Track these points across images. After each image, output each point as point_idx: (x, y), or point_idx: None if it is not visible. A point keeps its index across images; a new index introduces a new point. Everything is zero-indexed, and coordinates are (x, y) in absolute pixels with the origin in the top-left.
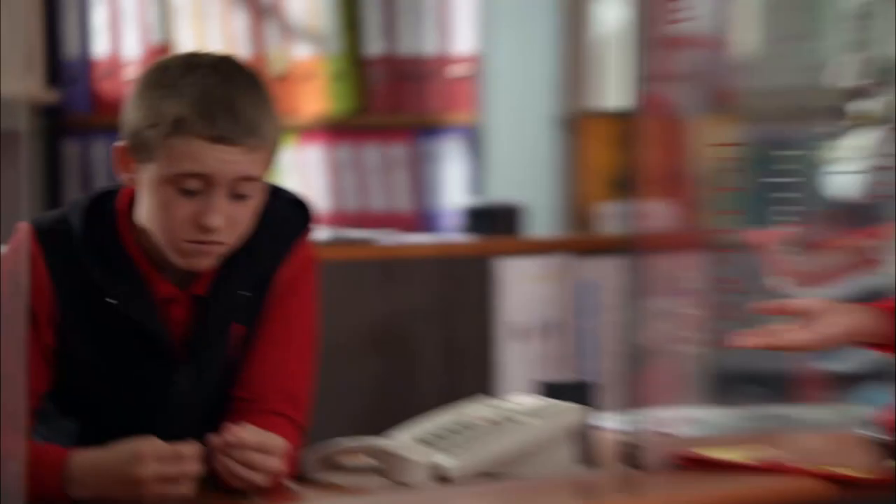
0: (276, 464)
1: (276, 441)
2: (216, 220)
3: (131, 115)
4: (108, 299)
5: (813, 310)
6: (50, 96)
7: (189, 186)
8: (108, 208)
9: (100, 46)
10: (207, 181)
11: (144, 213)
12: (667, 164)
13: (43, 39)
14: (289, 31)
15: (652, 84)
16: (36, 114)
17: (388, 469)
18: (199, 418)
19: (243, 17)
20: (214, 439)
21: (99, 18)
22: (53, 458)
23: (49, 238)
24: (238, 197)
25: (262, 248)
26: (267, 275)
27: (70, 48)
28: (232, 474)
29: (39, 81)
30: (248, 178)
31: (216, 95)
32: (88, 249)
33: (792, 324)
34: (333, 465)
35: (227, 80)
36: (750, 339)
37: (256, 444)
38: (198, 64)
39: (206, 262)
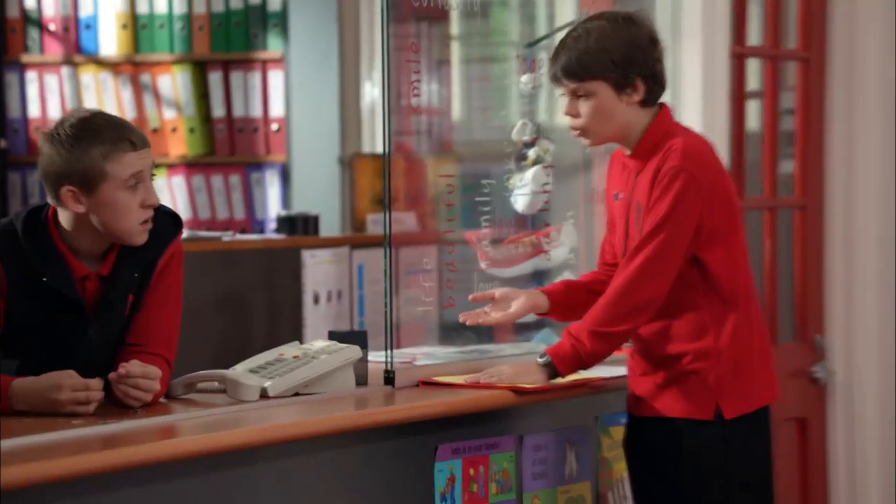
0: (156, 386)
1: (154, 371)
2: (157, 199)
3: (71, 165)
4: (43, 279)
5: (504, 296)
6: (0, 143)
7: (135, 182)
8: (41, 216)
9: (33, 109)
10: (141, 176)
11: (105, 219)
12: (410, 188)
13: None
14: (160, 100)
15: (399, 136)
16: None
17: (230, 390)
18: (103, 360)
19: (129, 91)
20: (112, 374)
21: (33, 90)
22: (1, 383)
23: (1, 237)
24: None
25: (148, 243)
26: (151, 261)
27: (12, 110)
28: (126, 396)
29: None
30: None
31: (118, 126)
32: (28, 244)
33: (491, 306)
34: (192, 389)
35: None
36: (469, 319)
37: (141, 373)
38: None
39: (146, 234)
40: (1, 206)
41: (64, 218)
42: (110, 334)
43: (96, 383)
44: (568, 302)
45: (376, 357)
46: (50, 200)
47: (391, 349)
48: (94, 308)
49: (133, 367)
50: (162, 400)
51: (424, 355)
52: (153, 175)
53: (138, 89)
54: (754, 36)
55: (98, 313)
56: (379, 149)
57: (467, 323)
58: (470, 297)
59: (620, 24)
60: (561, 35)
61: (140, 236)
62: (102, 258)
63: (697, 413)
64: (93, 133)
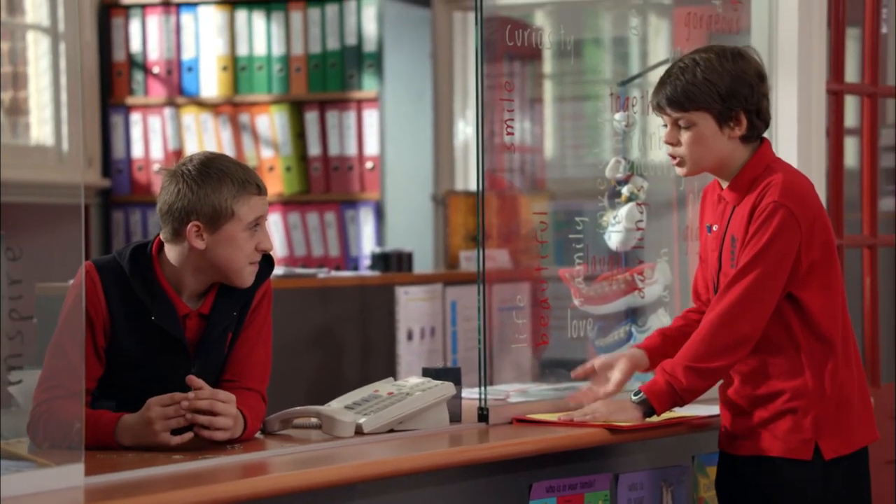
0: (231, 410)
1: (225, 395)
2: (272, 245)
3: (200, 202)
4: (152, 317)
5: (603, 366)
6: (104, 182)
7: (255, 226)
8: (145, 254)
9: (136, 150)
10: (261, 221)
11: (220, 258)
12: (504, 225)
13: (100, 144)
14: (258, 140)
15: (493, 173)
16: (93, 194)
17: (325, 426)
18: None
19: (228, 131)
20: (185, 403)
21: (136, 131)
22: (108, 419)
23: (105, 272)
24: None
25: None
26: (246, 301)
27: (116, 151)
28: (202, 428)
29: (97, 173)
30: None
31: (246, 170)
32: (136, 281)
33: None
34: (288, 425)
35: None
36: (574, 400)
37: (210, 394)
38: (218, 158)
39: (252, 277)
40: (104, 243)
41: (173, 254)
42: (211, 371)
43: (181, 395)
44: (666, 353)
45: (470, 394)
46: (165, 236)
47: (485, 386)
48: (197, 346)
49: (204, 391)
50: (258, 436)
51: (518, 392)
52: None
53: (237, 129)
54: (852, 73)
55: (201, 352)
56: (472, 186)
57: (573, 402)
58: (572, 374)
59: (728, 59)
60: (656, 73)
61: (249, 278)
62: (201, 297)
63: (796, 453)
64: (222, 173)
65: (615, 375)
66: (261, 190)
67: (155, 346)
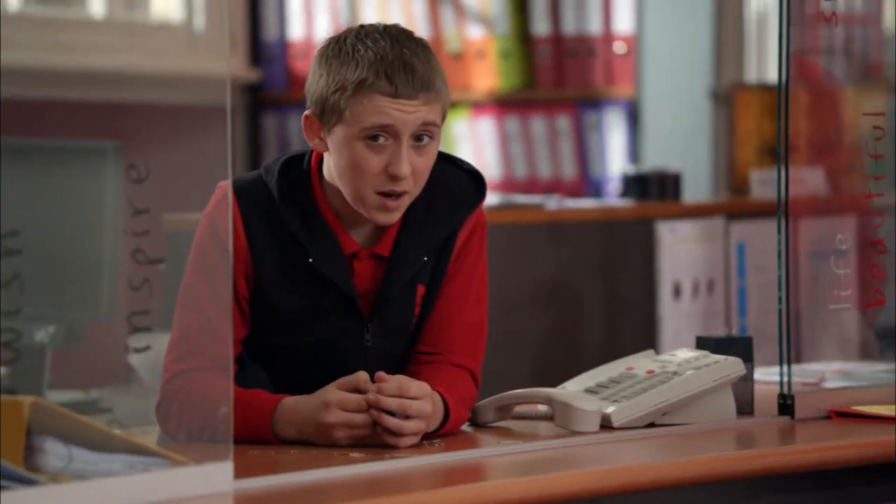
0: (426, 408)
1: (421, 387)
2: (404, 168)
3: (315, 84)
4: (309, 259)
5: None
6: (251, 75)
7: (377, 140)
8: (301, 169)
9: (295, 30)
10: (392, 133)
11: (335, 173)
12: (818, 132)
13: (245, 24)
14: (462, 14)
15: (802, 56)
16: (238, 90)
17: (558, 416)
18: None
19: (421, 1)
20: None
21: (295, 4)
22: (264, 403)
23: (246, 196)
24: (418, 146)
25: (440, 213)
26: (445, 239)
27: (269, 31)
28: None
29: (242, 61)
30: (427, 124)
31: (390, 57)
32: (287, 207)
33: None
34: (507, 414)
35: (397, 43)
36: None
37: (397, 390)
38: (368, 33)
39: (393, 215)
40: (252, 157)
41: (330, 165)
42: (396, 340)
43: (366, 381)
44: None
45: (765, 375)
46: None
47: (789, 364)
48: (373, 303)
49: (390, 384)
50: (465, 427)
51: (838, 373)
52: (427, 137)
53: (434, 0)
54: None
55: (380, 310)
56: (770, 76)
57: None
58: None
59: None
60: None
61: (377, 213)
62: (377, 232)
63: None
64: (349, 55)
65: None
66: (396, 89)
67: (314, 299)
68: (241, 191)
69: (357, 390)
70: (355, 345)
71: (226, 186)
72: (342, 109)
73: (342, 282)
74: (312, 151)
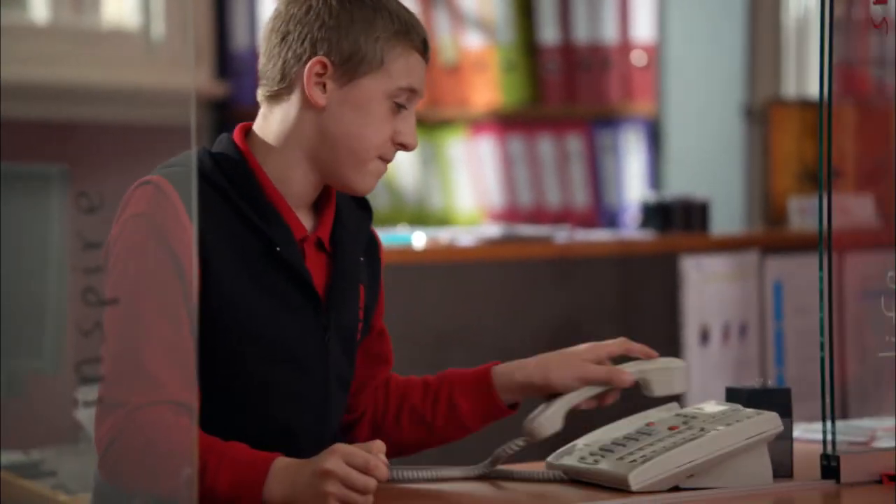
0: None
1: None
2: (416, 141)
3: (339, 29)
4: (276, 248)
5: None
6: (218, 89)
7: (401, 106)
8: (231, 143)
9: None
10: (412, 101)
11: (335, 131)
12: (866, 156)
13: (211, 31)
14: (459, 20)
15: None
16: (204, 106)
17: (657, 384)
18: (343, 391)
19: (412, 4)
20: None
21: (266, 11)
22: (258, 461)
23: (184, 186)
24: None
25: (357, 209)
26: (368, 241)
27: (238, 41)
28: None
29: (208, 74)
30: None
31: (412, 16)
32: (234, 187)
33: None
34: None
35: (402, 6)
36: None
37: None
38: None
39: (375, 183)
40: None
41: (272, 127)
42: (346, 347)
43: (378, 463)
44: None
45: (806, 433)
46: (263, 93)
47: (833, 420)
48: (327, 294)
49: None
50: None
51: (889, 432)
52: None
53: (428, 1)
54: None
55: (333, 304)
56: (811, 90)
57: None
58: None
59: None
60: None
61: (369, 179)
62: (315, 217)
63: None
64: (379, 4)
65: None
66: (426, 51)
67: (273, 294)
68: (178, 182)
69: (363, 467)
70: (317, 346)
71: (155, 182)
72: (381, 58)
73: (303, 269)
74: (233, 135)
